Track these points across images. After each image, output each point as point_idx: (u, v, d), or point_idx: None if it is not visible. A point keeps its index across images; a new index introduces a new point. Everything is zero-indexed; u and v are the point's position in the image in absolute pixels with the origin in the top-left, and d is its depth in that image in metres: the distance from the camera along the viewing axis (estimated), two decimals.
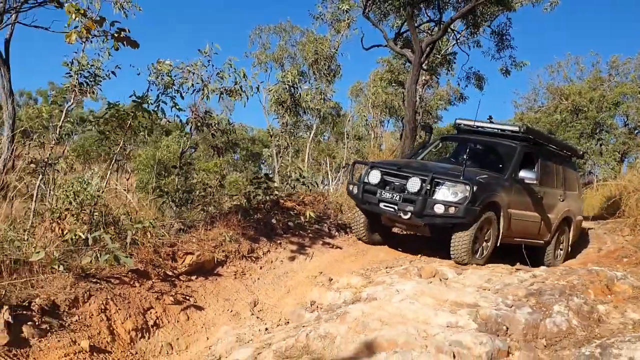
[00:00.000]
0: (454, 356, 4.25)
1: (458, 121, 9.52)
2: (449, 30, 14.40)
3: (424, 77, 17.09)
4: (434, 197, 7.16)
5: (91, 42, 6.41)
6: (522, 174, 7.87)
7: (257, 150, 34.78)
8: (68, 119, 7.49)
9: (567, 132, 26.85)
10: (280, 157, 11.27)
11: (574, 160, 10.26)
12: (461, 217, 7.03)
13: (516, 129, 8.53)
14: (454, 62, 16.69)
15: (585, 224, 12.64)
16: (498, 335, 4.72)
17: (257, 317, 5.96)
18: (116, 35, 5.03)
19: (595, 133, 26.20)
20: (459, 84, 18.92)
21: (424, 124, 9.81)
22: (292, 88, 10.73)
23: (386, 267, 7.25)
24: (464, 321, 4.85)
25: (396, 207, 7.30)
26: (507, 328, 4.85)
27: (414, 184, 7.27)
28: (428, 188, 7.17)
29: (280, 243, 7.61)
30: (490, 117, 8.77)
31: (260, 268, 6.98)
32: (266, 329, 5.61)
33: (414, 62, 11.27)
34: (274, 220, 7.84)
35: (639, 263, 7.99)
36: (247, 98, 8.36)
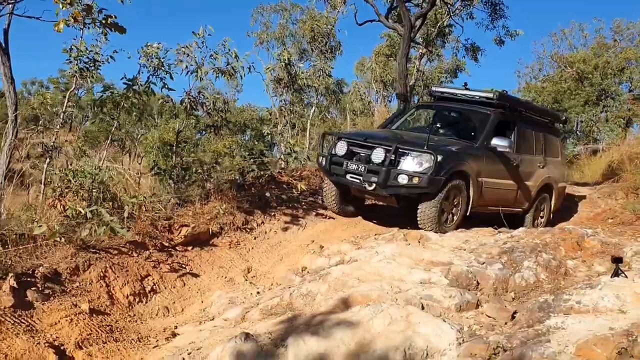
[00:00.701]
0: (423, 307, 4.59)
1: (434, 89, 9.53)
2: (443, 2, 14.51)
3: (420, 51, 17.25)
4: (398, 168, 7.17)
5: (89, 29, 6.76)
6: (495, 141, 7.82)
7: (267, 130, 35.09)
8: (70, 103, 7.87)
9: (571, 100, 26.88)
10: (279, 134, 11.57)
11: (556, 126, 10.21)
12: (425, 187, 7.04)
13: (490, 95, 8.44)
14: (449, 35, 16.82)
15: (582, 190, 12.90)
16: (469, 290, 5.06)
17: (250, 283, 6.34)
18: (104, 22, 5.36)
19: (601, 100, 26.20)
20: (456, 55, 19.03)
21: (399, 93, 9.93)
22: (287, 66, 10.99)
23: (375, 234, 7.60)
24: (436, 278, 5.19)
25: (361, 178, 7.35)
26: (478, 283, 5.19)
27: (378, 155, 7.30)
28: (392, 158, 7.18)
29: (274, 215, 7.98)
30: (466, 84, 8.92)
31: (255, 238, 7.36)
32: (258, 292, 5.98)
33: (403, 36, 11.44)
34: (267, 194, 8.20)
35: (622, 223, 8.29)
36: (241, 77, 8.69)
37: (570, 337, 3.56)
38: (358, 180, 7.40)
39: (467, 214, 7.62)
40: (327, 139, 8.61)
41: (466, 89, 8.89)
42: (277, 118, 12.31)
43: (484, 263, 5.42)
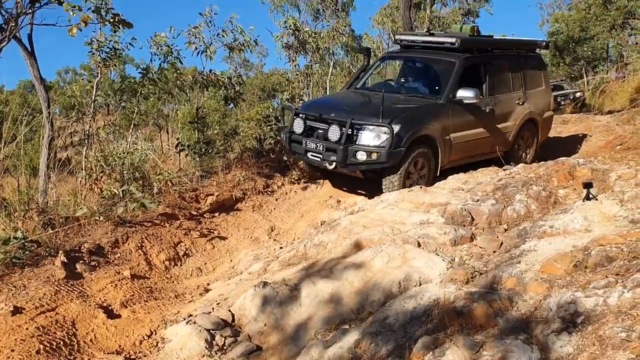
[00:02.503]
0: (419, 245, 5.15)
1: (397, 37, 9.04)
2: None
3: None
4: (356, 143, 6.96)
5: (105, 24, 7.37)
6: (461, 93, 7.46)
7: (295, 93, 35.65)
8: (99, 92, 8.57)
9: (597, 27, 26.27)
10: (298, 98, 12.05)
11: (536, 53, 9.52)
12: (384, 162, 6.84)
13: (452, 41, 7.85)
14: None
15: (603, 119, 12.97)
16: (464, 226, 5.57)
17: (274, 240, 6.99)
18: (112, 20, 5.96)
19: (627, 23, 25.48)
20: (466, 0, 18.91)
21: (361, 47, 9.89)
22: (295, 32, 11.41)
23: None
24: (434, 218, 5.70)
25: (321, 157, 7.16)
26: (473, 219, 5.68)
27: (334, 132, 7.06)
28: (349, 133, 6.95)
29: (293, 176, 8.55)
30: (429, 30, 8.77)
31: (276, 200, 7.98)
32: (280, 247, 6.62)
33: None
34: (285, 157, 8.77)
35: (627, 148, 8.52)
36: (251, 51, 9.27)
37: (538, 257, 4.07)
38: (318, 159, 7.25)
39: (437, 174, 7.47)
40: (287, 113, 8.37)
41: (430, 34, 8.52)
42: (293, 83, 12.78)
43: (478, 200, 5.89)
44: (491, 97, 8.17)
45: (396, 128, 6.83)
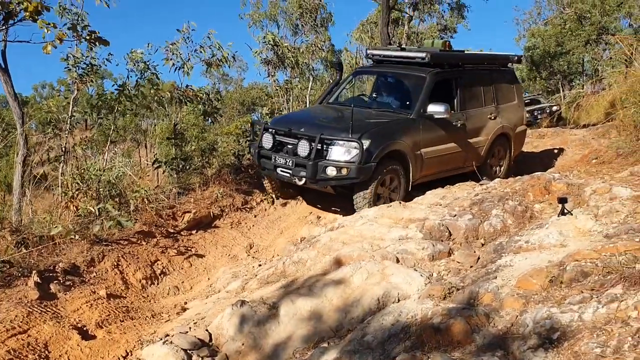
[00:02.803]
0: (398, 260, 5.15)
1: (369, 51, 9.01)
2: None
3: (408, 14, 17.49)
4: (326, 159, 6.92)
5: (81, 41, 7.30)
6: (431, 108, 7.46)
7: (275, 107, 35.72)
8: (75, 108, 8.48)
9: (572, 41, 26.78)
10: (277, 113, 12.07)
11: (508, 68, 9.57)
12: (355, 178, 6.83)
13: (422, 56, 7.85)
14: None
15: (579, 132, 13.18)
16: (442, 241, 5.59)
17: (253, 257, 6.93)
18: (88, 38, 5.91)
19: (601, 38, 26.05)
20: (442, 16, 19.21)
21: (333, 61, 9.90)
22: (274, 47, 11.45)
23: None
24: (412, 233, 5.72)
25: (291, 172, 7.11)
26: (450, 234, 5.70)
27: (303, 147, 7.02)
28: (319, 148, 6.91)
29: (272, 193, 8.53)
30: (400, 44, 8.87)
31: (255, 216, 7.94)
32: (259, 265, 6.58)
33: (382, 4, 11.78)
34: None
35: (602, 162, 8.65)
36: (229, 66, 9.26)
37: (514, 273, 4.08)
38: (288, 175, 7.20)
39: (409, 190, 7.50)
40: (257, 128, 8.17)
41: (402, 49, 8.55)
42: (272, 97, 12.80)
43: (455, 215, 5.91)
44: (462, 111, 8.21)
45: (366, 143, 6.82)
